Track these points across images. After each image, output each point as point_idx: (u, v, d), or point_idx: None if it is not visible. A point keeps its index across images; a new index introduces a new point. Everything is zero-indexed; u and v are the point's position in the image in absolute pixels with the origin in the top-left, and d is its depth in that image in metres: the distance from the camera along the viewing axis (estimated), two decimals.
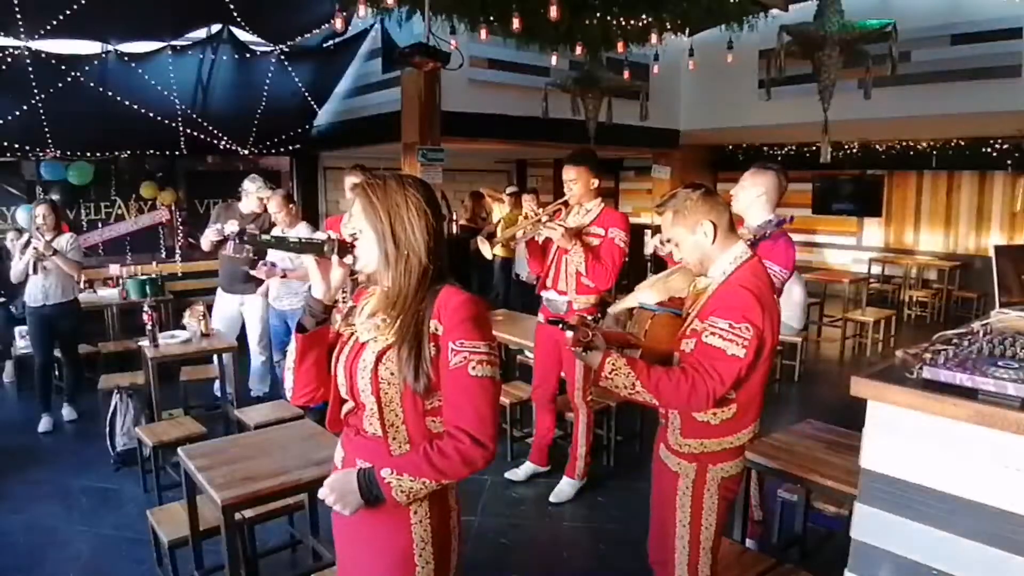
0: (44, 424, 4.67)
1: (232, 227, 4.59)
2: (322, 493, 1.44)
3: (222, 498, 2.17)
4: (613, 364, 1.83)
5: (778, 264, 2.61)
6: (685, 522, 1.97)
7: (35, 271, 4.43)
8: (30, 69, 5.45)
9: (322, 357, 1.54)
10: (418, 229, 1.43)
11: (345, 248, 1.44)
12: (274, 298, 4.81)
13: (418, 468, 1.38)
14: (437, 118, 6.19)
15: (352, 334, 1.52)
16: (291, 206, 4.73)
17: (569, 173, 3.42)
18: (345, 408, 1.56)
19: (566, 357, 3.53)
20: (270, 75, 6.73)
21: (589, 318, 2.02)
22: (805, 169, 9.18)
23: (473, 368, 1.38)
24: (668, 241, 1.99)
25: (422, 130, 6.12)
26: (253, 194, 4.85)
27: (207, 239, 4.69)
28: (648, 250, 3.46)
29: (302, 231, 4.67)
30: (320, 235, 1.45)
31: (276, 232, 4.68)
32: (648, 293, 2.16)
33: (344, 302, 1.63)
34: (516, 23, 5.02)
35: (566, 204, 3.52)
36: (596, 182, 3.44)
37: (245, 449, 2.54)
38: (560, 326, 1.96)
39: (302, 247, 1.45)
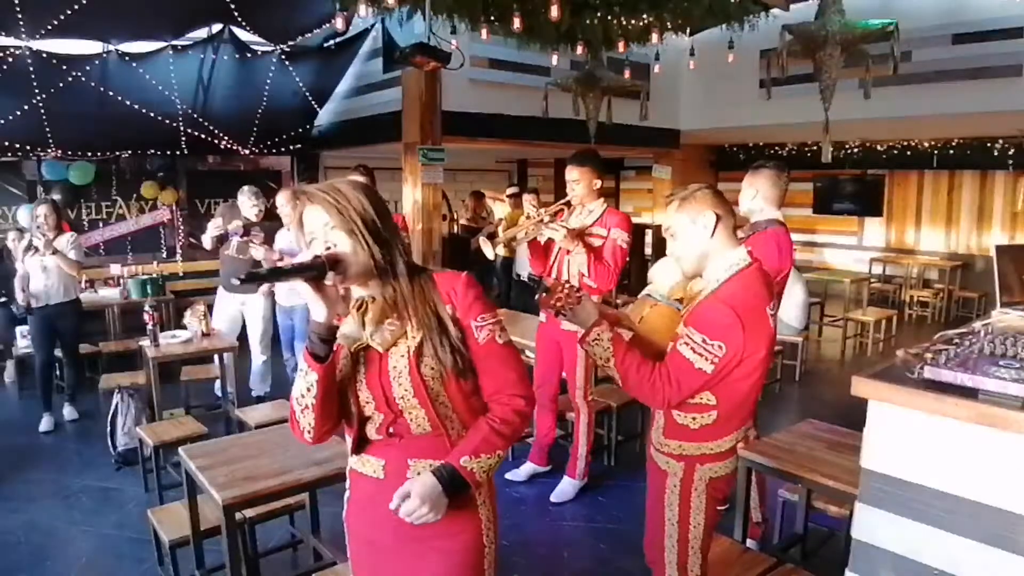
0: (45, 424, 4.68)
1: (236, 224, 4.61)
2: (409, 508, 1.36)
3: (223, 498, 2.17)
4: (598, 335, 1.89)
5: (764, 264, 2.62)
6: (673, 521, 1.97)
7: (26, 289, 4.50)
8: (31, 69, 5.45)
9: (335, 386, 1.43)
10: (388, 226, 1.41)
11: (337, 263, 1.35)
12: (283, 296, 4.84)
13: (490, 444, 1.42)
14: (438, 118, 6.19)
15: (358, 350, 1.44)
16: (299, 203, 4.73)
17: (572, 173, 3.42)
18: (373, 424, 1.48)
19: (567, 357, 3.53)
20: (271, 75, 6.73)
21: (570, 284, 1.98)
22: (806, 169, 9.18)
23: (499, 337, 1.45)
24: (667, 230, 1.97)
25: (423, 130, 6.12)
26: (245, 204, 4.88)
27: (209, 236, 4.71)
28: None
29: None
30: (305, 254, 1.36)
31: (283, 236, 4.70)
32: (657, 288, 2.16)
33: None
34: (517, 23, 5.02)
35: (568, 204, 3.52)
36: (599, 183, 3.44)
37: (246, 449, 2.54)
38: (536, 285, 1.96)
39: (300, 271, 1.33)
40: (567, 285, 1.95)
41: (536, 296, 2.00)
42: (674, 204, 1.94)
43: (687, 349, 1.80)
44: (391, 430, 1.46)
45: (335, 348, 1.40)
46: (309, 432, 1.43)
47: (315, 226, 1.38)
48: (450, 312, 1.43)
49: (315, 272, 1.32)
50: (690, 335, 1.81)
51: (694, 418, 1.91)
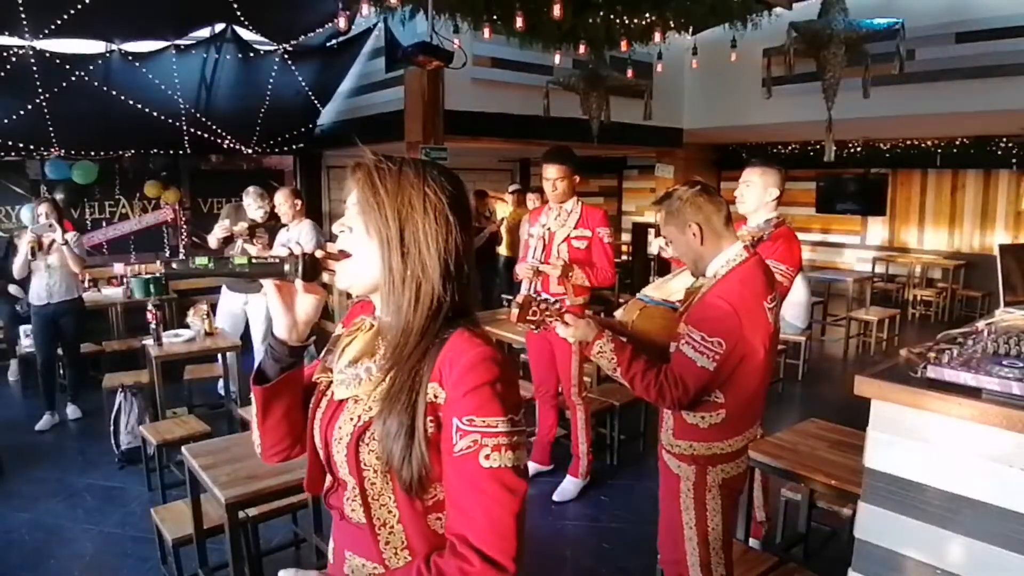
0: (43, 422, 4.67)
1: (241, 226, 4.63)
2: None
3: (226, 496, 2.17)
4: (600, 347, 1.93)
5: (784, 263, 2.63)
6: (691, 524, 1.98)
7: (33, 256, 4.45)
8: (34, 68, 5.46)
9: (295, 406, 1.16)
10: (433, 242, 1.02)
11: (314, 267, 1.05)
12: None
13: None
14: (440, 117, 6.19)
15: (329, 384, 1.12)
16: (297, 201, 4.74)
17: (553, 171, 3.44)
18: (327, 480, 1.16)
19: (559, 357, 3.55)
20: (273, 74, 6.74)
21: (544, 297, 2.02)
22: (809, 168, 9.18)
23: (487, 456, 0.96)
24: (664, 239, 2.05)
25: (425, 129, 6.11)
26: (251, 206, 4.88)
27: (215, 236, 4.72)
28: (652, 250, 3.52)
29: (306, 229, 4.68)
30: (277, 249, 1.11)
31: (283, 235, 4.70)
32: (651, 289, 2.21)
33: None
34: (519, 21, 5.02)
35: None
36: (577, 179, 3.48)
37: (249, 448, 2.52)
38: (507, 304, 1.99)
39: (252, 268, 1.05)
40: (540, 300, 1.97)
41: (510, 315, 2.00)
42: (661, 216, 2.00)
43: (689, 348, 1.83)
44: (330, 500, 1.14)
45: (299, 368, 1.13)
46: (257, 446, 1.19)
47: (352, 202, 1.07)
48: (431, 395, 0.99)
49: (274, 272, 1.05)
50: (690, 334, 1.85)
51: (703, 417, 1.92)
